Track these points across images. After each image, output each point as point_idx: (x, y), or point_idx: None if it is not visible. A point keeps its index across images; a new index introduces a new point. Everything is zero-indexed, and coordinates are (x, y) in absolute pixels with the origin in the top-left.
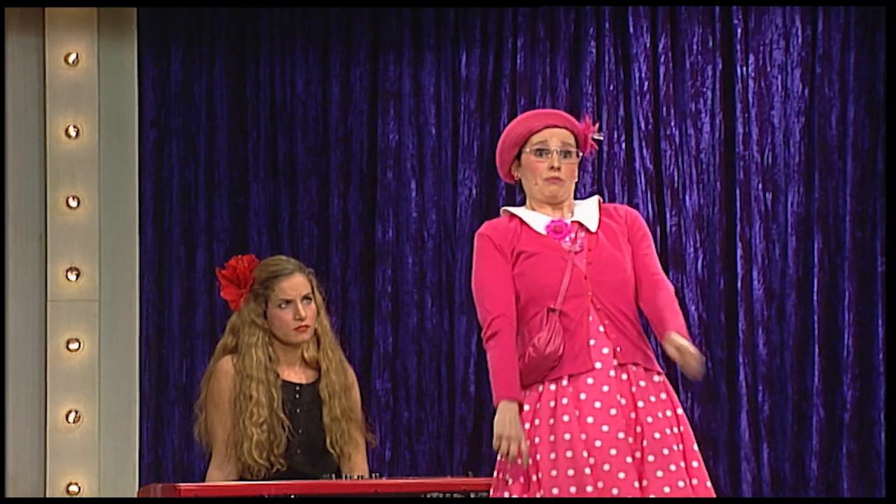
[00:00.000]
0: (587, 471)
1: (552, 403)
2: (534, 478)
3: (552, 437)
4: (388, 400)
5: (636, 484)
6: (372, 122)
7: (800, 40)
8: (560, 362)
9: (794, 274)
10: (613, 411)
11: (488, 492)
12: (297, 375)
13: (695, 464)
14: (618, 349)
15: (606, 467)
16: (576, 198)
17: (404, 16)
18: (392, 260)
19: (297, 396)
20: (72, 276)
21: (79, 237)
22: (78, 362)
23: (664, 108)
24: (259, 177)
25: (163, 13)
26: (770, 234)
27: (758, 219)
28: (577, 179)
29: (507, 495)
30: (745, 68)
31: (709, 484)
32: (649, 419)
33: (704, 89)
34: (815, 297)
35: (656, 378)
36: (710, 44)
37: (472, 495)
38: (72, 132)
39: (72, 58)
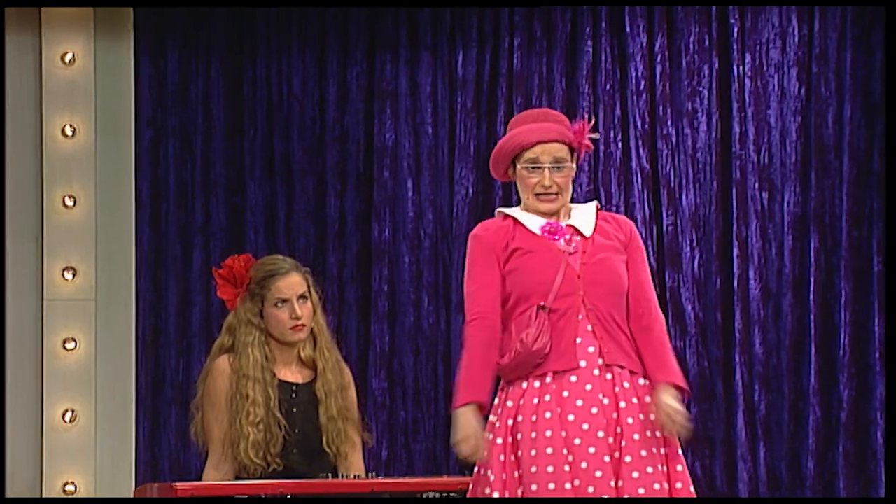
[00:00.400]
0: (566, 468)
1: (535, 400)
2: (515, 474)
3: (534, 434)
4: (384, 399)
5: (612, 483)
6: (368, 122)
7: (796, 39)
8: (546, 359)
9: (791, 273)
10: (595, 410)
11: None
12: (293, 375)
13: (679, 467)
14: (604, 349)
15: (584, 465)
16: (572, 200)
17: (401, 15)
18: (388, 259)
19: (294, 396)
20: (68, 276)
21: (75, 236)
22: (74, 361)
23: (661, 108)
24: (255, 176)
25: (159, 13)
26: (766, 234)
27: (754, 218)
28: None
29: (487, 491)
30: (741, 68)
31: (692, 489)
32: (630, 420)
33: (701, 88)
34: (811, 297)
35: (641, 381)
36: (707, 43)
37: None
38: (68, 131)
39: (68, 57)
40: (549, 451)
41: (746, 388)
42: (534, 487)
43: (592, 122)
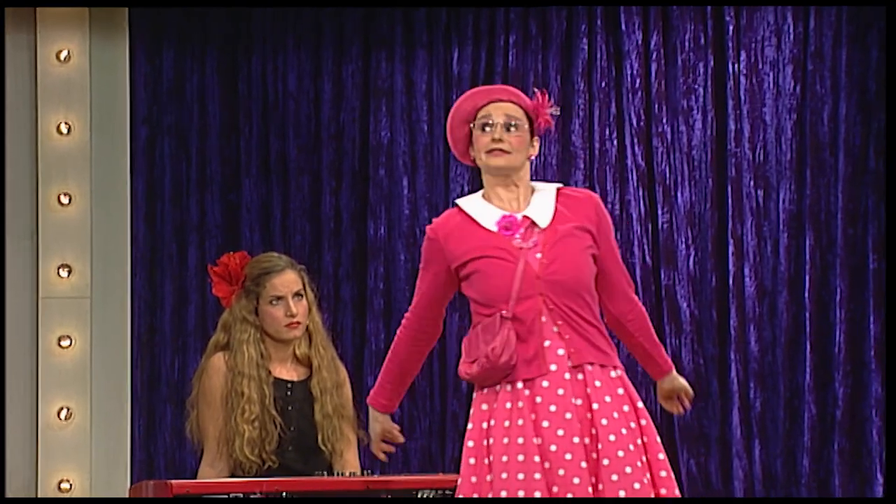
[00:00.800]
0: (537, 475)
1: (508, 405)
2: (487, 478)
3: (506, 440)
4: None
5: (590, 489)
6: (364, 120)
7: (791, 37)
8: (514, 369)
9: (786, 271)
10: (569, 415)
11: None
12: (288, 372)
13: (660, 455)
14: (572, 349)
15: (561, 472)
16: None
17: (396, 13)
18: (384, 257)
19: (289, 393)
20: (63, 273)
21: (71, 234)
22: (70, 359)
23: (656, 105)
24: (251, 174)
25: (154, 11)
26: (762, 231)
27: (749, 216)
28: (533, 155)
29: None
30: (736, 65)
31: (672, 475)
32: (604, 421)
33: (696, 86)
34: (806, 294)
35: (613, 374)
36: (702, 41)
37: None
38: (63, 129)
39: (63, 55)
40: (521, 458)
41: (742, 386)
42: (503, 493)
43: (551, 100)
